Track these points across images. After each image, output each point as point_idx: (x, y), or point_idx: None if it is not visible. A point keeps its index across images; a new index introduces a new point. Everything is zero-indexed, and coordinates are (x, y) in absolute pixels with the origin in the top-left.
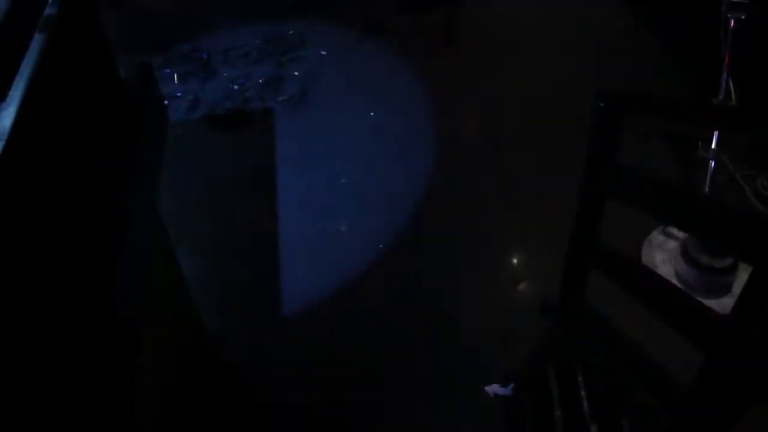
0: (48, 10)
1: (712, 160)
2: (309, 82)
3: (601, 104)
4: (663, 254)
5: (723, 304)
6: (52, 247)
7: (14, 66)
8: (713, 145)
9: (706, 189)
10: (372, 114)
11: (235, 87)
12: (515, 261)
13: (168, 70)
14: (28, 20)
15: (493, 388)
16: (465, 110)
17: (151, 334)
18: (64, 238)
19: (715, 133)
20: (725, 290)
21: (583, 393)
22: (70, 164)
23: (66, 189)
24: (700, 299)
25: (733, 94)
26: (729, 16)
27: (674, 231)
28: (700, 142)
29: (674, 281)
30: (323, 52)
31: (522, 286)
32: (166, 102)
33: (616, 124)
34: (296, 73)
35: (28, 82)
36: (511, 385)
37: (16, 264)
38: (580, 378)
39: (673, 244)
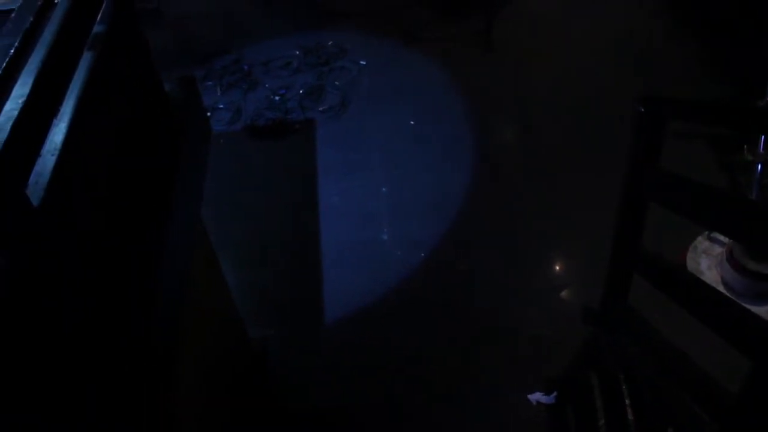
0: (96, 29)
1: (759, 163)
2: (349, 92)
3: (642, 109)
4: (708, 260)
5: None
6: (101, 254)
7: (65, 83)
8: (760, 149)
9: (753, 193)
10: (412, 122)
11: (277, 98)
12: (557, 267)
13: (210, 83)
14: (78, 39)
15: (536, 396)
16: (504, 117)
17: (194, 339)
18: (112, 246)
19: (762, 137)
20: None
21: (627, 401)
22: (118, 175)
23: (114, 199)
24: (746, 306)
25: None
26: None
27: (720, 236)
28: (745, 146)
29: (720, 287)
30: (363, 62)
31: (564, 293)
32: (208, 113)
33: (657, 129)
34: (337, 83)
35: (79, 98)
36: (554, 393)
37: (67, 270)
38: (624, 386)
39: (718, 250)
